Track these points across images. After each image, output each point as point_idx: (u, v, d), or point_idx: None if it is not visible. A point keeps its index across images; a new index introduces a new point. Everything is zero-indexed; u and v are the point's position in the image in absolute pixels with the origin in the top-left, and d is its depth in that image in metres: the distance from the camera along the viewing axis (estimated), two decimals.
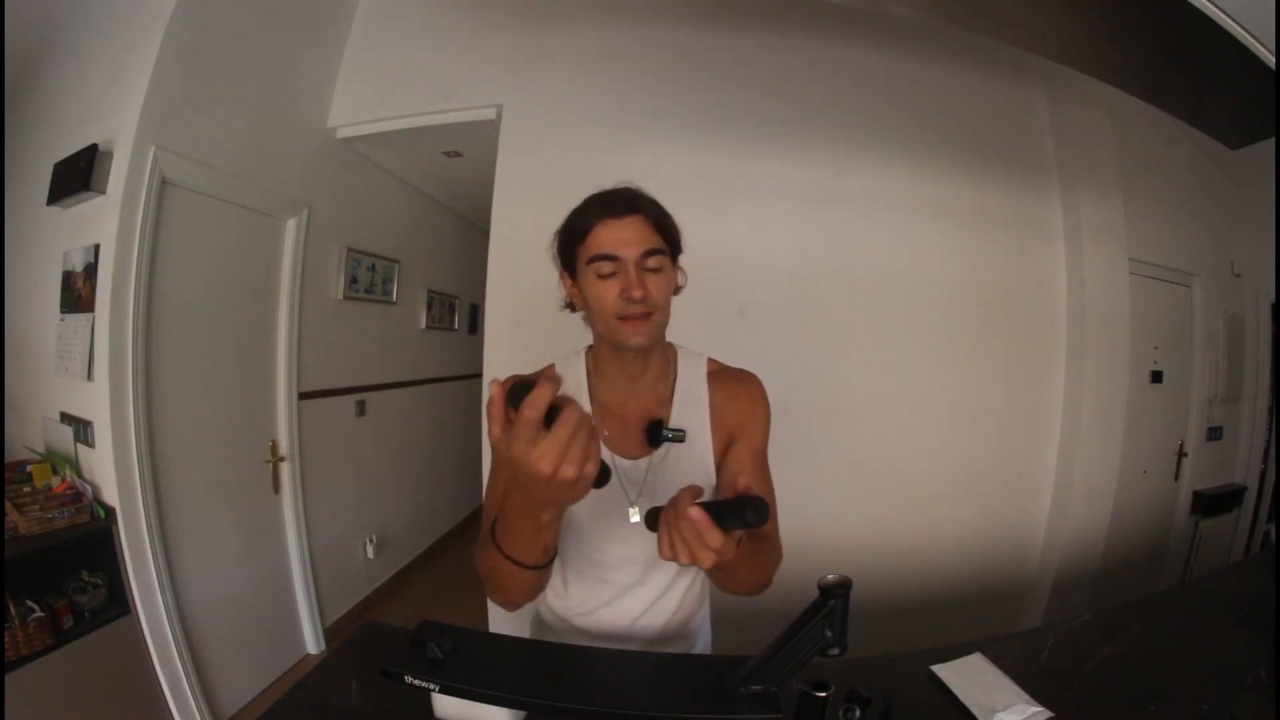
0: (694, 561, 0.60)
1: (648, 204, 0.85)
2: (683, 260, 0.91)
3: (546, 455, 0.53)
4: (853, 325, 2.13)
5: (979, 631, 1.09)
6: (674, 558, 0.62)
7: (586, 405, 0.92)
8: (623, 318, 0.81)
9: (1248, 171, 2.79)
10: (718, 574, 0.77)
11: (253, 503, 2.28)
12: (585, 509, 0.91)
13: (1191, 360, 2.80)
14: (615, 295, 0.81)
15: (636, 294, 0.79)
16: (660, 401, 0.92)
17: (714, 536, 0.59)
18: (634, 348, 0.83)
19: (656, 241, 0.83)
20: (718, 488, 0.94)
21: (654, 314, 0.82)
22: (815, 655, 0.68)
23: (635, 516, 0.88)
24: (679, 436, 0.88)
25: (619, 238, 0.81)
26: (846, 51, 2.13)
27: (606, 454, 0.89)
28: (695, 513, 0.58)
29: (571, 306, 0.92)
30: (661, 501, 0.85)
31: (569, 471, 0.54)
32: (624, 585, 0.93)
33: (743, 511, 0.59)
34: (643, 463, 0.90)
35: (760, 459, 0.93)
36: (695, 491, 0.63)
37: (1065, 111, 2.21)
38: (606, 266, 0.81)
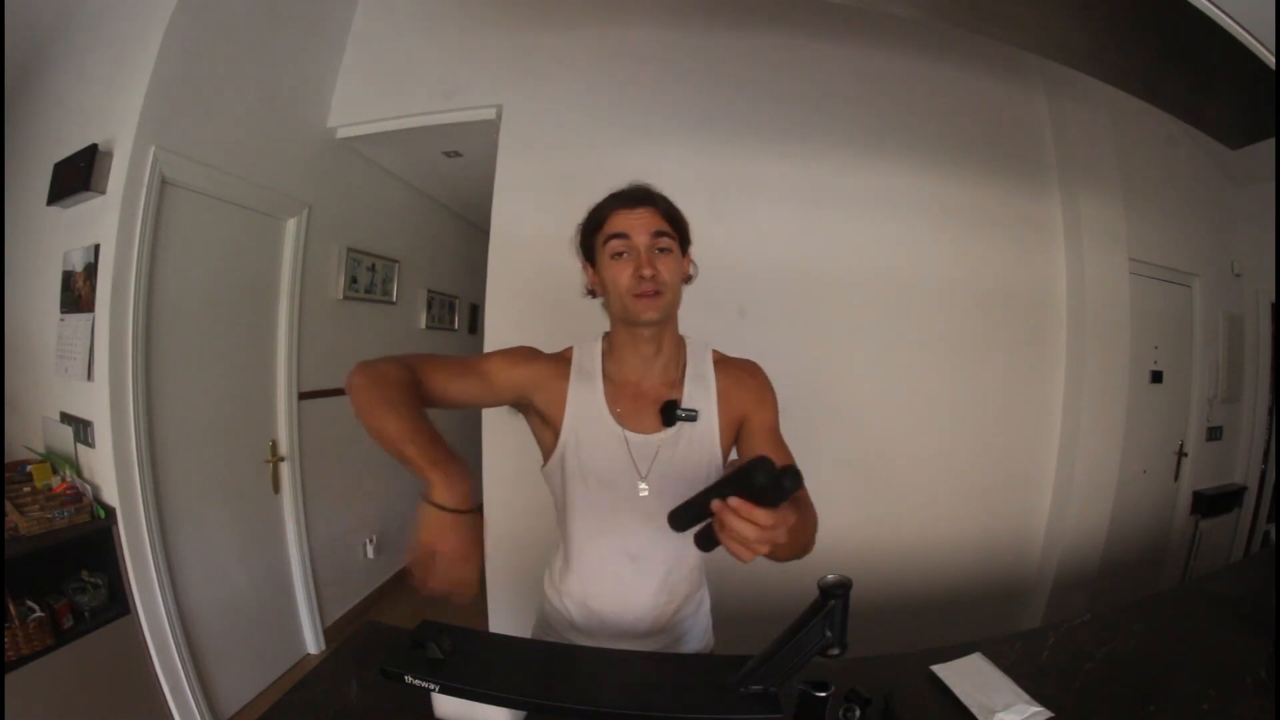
0: (757, 553, 0.62)
1: (659, 198, 0.95)
2: None
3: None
4: (853, 325, 2.13)
5: (979, 631, 1.09)
6: (743, 558, 0.64)
7: (600, 384, 0.98)
8: (636, 294, 0.89)
9: (1248, 171, 2.80)
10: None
11: (253, 503, 2.28)
12: (594, 483, 0.96)
13: (1191, 360, 2.80)
14: (629, 274, 0.90)
15: (647, 271, 0.89)
16: (671, 383, 0.99)
17: (763, 516, 0.60)
18: (646, 322, 0.91)
19: (665, 226, 0.92)
20: (721, 468, 0.98)
21: (664, 292, 0.90)
22: (815, 655, 0.68)
23: (644, 490, 0.94)
24: (692, 416, 0.95)
25: (631, 222, 0.91)
26: (847, 51, 2.12)
27: (619, 432, 0.95)
28: (735, 501, 0.60)
29: (593, 293, 0.99)
30: (671, 478, 0.93)
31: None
32: (627, 556, 0.97)
33: (780, 481, 0.59)
34: (654, 439, 0.95)
35: (776, 434, 1.00)
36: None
37: (1065, 111, 2.20)
38: (620, 245, 0.91)
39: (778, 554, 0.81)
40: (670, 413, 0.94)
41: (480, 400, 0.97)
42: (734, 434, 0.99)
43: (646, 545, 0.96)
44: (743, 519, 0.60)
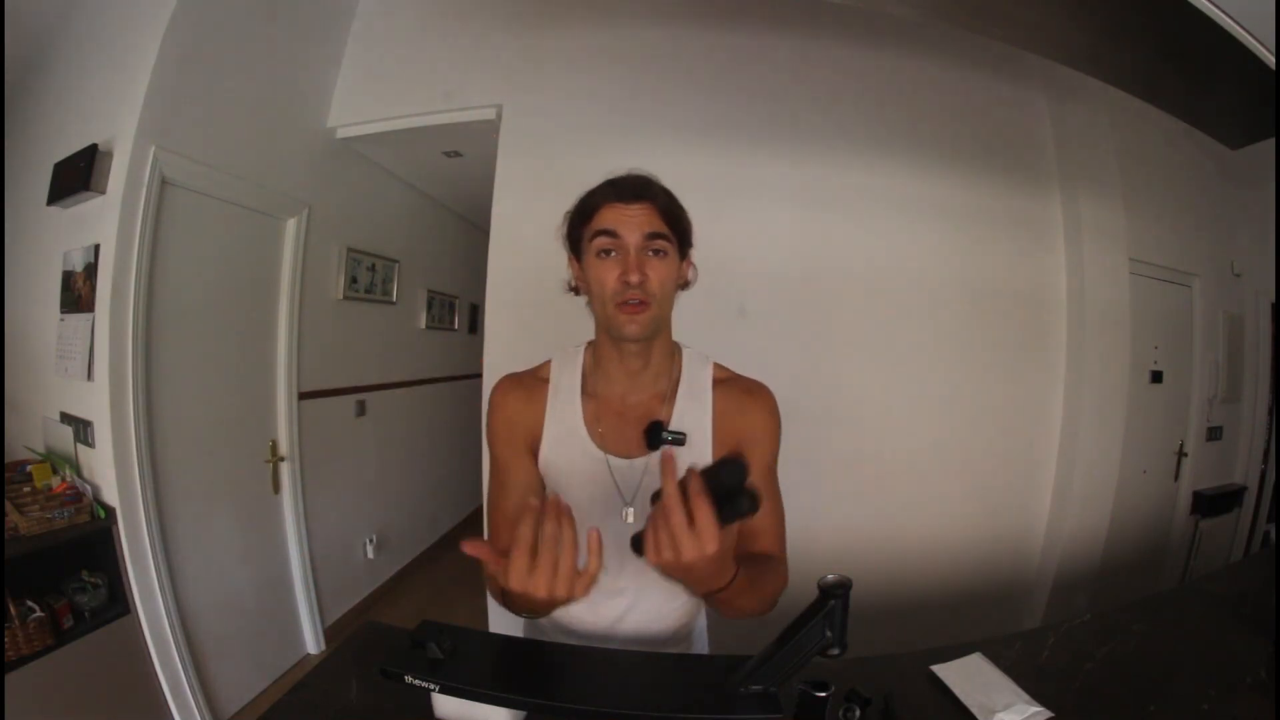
0: (679, 559, 0.58)
1: (658, 192, 0.83)
2: None
3: (539, 585, 0.57)
4: (853, 325, 2.13)
5: (979, 631, 1.09)
6: (660, 560, 0.60)
7: (579, 402, 0.90)
8: (620, 303, 0.80)
9: (1248, 171, 2.79)
10: (717, 603, 0.75)
11: (253, 503, 2.28)
12: (577, 511, 0.90)
13: (1191, 360, 2.80)
14: (615, 278, 0.79)
15: (634, 278, 0.78)
16: (660, 398, 0.89)
17: (704, 515, 0.57)
18: (629, 337, 0.81)
19: (661, 227, 0.81)
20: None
21: (651, 304, 0.80)
22: (815, 655, 0.68)
23: (629, 518, 0.87)
24: (679, 440, 0.84)
25: (623, 218, 0.80)
26: (846, 51, 2.12)
27: (600, 455, 0.87)
28: (695, 486, 0.58)
29: (576, 290, 0.90)
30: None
31: (560, 592, 0.58)
32: (611, 590, 0.90)
33: (737, 493, 0.57)
34: (639, 463, 0.87)
35: (770, 477, 0.90)
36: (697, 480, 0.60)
37: (1065, 111, 2.21)
38: (607, 243, 0.80)
39: (721, 611, 0.78)
40: (655, 436, 0.84)
41: (535, 480, 0.90)
42: None
43: (634, 576, 0.88)
44: (682, 515, 0.57)
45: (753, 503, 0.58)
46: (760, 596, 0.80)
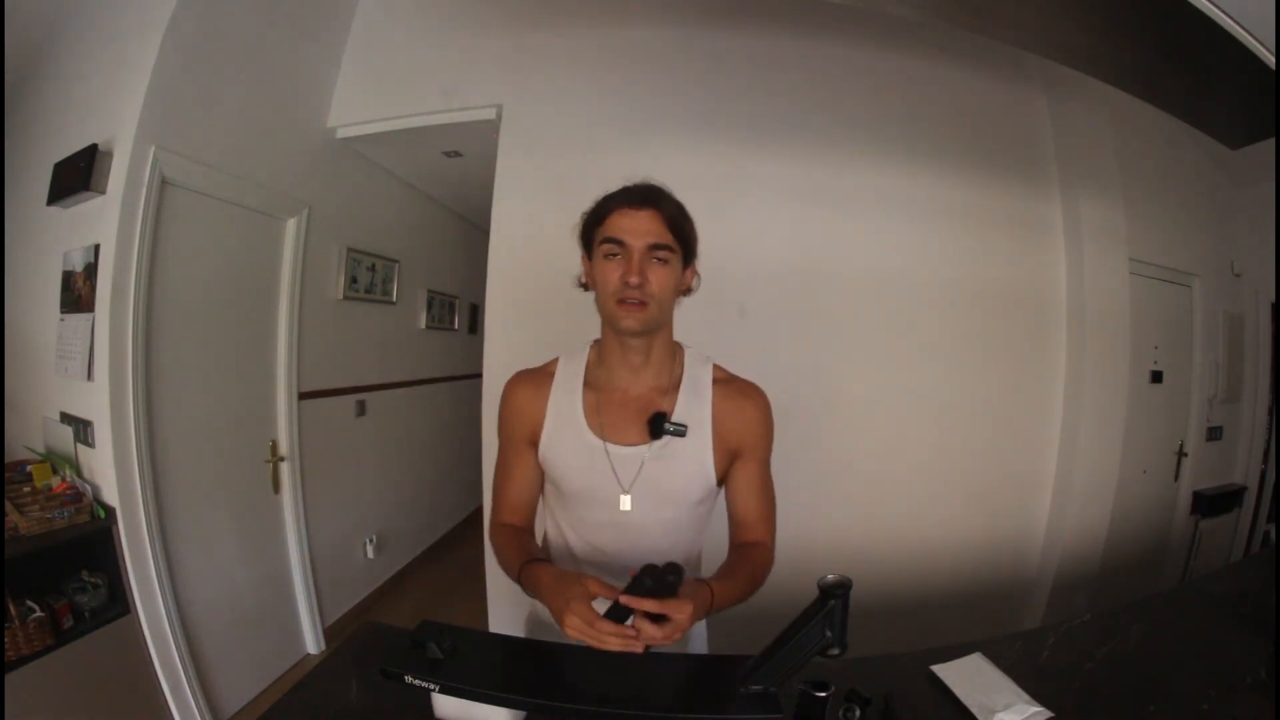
0: (674, 639, 0.72)
1: (666, 201, 0.89)
2: None
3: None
4: (853, 325, 2.13)
5: (979, 631, 1.09)
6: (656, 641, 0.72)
7: (580, 393, 0.96)
8: (620, 300, 0.86)
9: (1248, 171, 2.79)
10: (715, 610, 0.83)
11: (253, 503, 2.28)
12: (577, 498, 0.94)
13: (1191, 360, 2.80)
14: (617, 278, 0.86)
15: (633, 280, 0.85)
16: (661, 392, 0.94)
17: (668, 608, 0.71)
18: (625, 330, 0.88)
19: (666, 237, 0.87)
20: (714, 488, 0.96)
21: (649, 304, 0.86)
22: (815, 655, 0.68)
23: (626, 504, 0.91)
24: (680, 430, 0.90)
25: (630, 226, 0.86)
26: (846, 51, 2.12)
27: (598, 443, 0.92)
28: (638, 608, 0.71)
29: (585, 286, 0.96)
30: (657, 492, 0.93)
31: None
32: (612, 576, 0.91)
33: (664, 579, 0.71)
34: (638, 450, 0.92)
35: (764, 471, 0.97)
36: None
37: (1065, 111, 2.20)
38: (614, 248, 0.87)
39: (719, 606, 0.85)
40: (658, 425, 0.89)
41: (537, 477, 0.99)
42: (729, 461, 0.95)
43: (627, 566, 0.91)
44: (650, 622, 0.70)
45: (677, 573, 0.72)
46: (747, 590, 0.88)
